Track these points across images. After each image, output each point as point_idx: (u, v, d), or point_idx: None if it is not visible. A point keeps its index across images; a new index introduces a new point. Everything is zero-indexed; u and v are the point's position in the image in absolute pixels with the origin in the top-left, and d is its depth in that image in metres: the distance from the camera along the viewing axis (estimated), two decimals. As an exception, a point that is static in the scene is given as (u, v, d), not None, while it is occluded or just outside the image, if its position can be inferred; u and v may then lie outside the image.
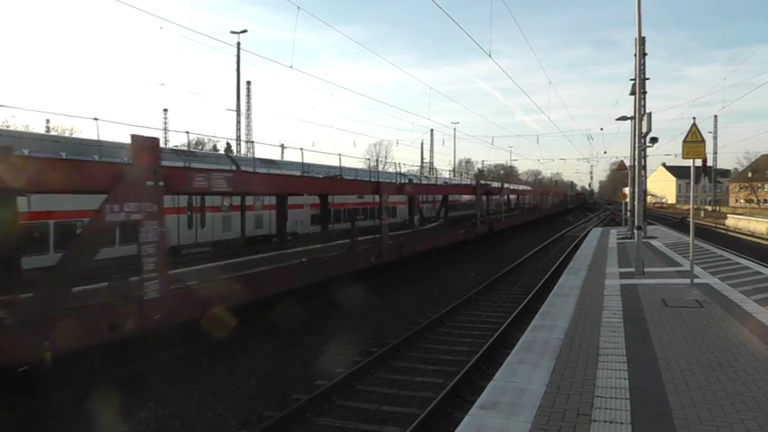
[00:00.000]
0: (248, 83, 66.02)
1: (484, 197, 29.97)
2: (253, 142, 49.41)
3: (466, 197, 34.49)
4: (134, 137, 8.65)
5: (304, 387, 8.58)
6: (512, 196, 42.03)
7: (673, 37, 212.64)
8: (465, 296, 15.25)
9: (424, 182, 37.74)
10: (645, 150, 23.70)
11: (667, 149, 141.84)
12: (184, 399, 8.13)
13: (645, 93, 24.00)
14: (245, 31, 37.38)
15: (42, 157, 10.49)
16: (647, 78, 24.99)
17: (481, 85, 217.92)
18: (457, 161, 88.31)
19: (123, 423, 7.22)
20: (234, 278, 10.59)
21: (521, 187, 54.47)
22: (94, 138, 14.18)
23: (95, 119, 12.80)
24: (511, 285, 17.89)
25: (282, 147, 41.86)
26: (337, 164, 24.76)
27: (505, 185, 40.47)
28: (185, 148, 21.71)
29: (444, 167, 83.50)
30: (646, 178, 29.77)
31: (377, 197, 17.41)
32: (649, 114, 18.39)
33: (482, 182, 34.87)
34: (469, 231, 25.80)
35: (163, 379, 8.59)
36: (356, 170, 30.50)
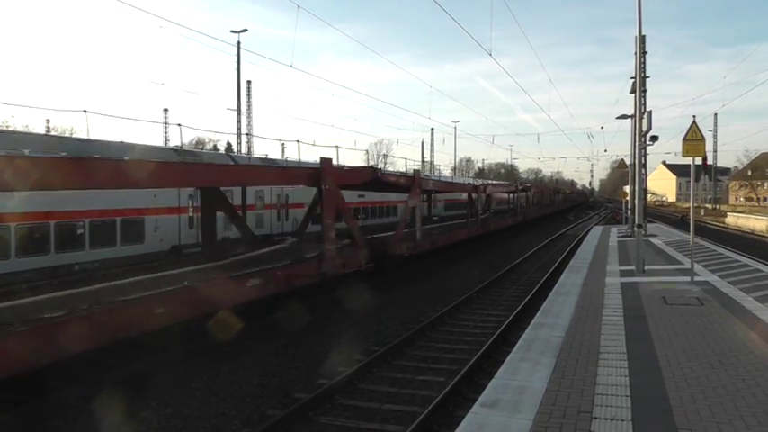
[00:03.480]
0: (248, 82, 65.92)
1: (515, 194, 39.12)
2: (252, 135, 49.08)
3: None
4: (415, 170, 15.95)
5: (306, 386, 8.61)
6: (532, 193, 50.33)
7: (674, 35, 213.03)
8: (466, 294, 15.29)
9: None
10: (645, 149, 23.74)
11: (668, 147, 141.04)
12: (186, 398, 8.15)
13: (645, 91, 24.01)
14: (245, 30, 37.31)
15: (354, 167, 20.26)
16: (648, 77, 25.02)
17: (482, 84, 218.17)
18: (457, 160, 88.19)
19: (126, 423, 7.24)
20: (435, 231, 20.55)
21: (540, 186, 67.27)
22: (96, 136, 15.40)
23: (113, 116, 15.21)
24: (512, 284, 17.92)
25: (298, 143, 40.48)
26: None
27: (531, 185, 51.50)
28: (188, 149, 21.98)
29: (445, 166, 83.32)
30: (646, 176, 29.78)
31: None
32: (649, 112, 18.35)
33: (518, 182, 44.17)
34: (514, 220, 35.31)
35: (165, 378, 8.60)
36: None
